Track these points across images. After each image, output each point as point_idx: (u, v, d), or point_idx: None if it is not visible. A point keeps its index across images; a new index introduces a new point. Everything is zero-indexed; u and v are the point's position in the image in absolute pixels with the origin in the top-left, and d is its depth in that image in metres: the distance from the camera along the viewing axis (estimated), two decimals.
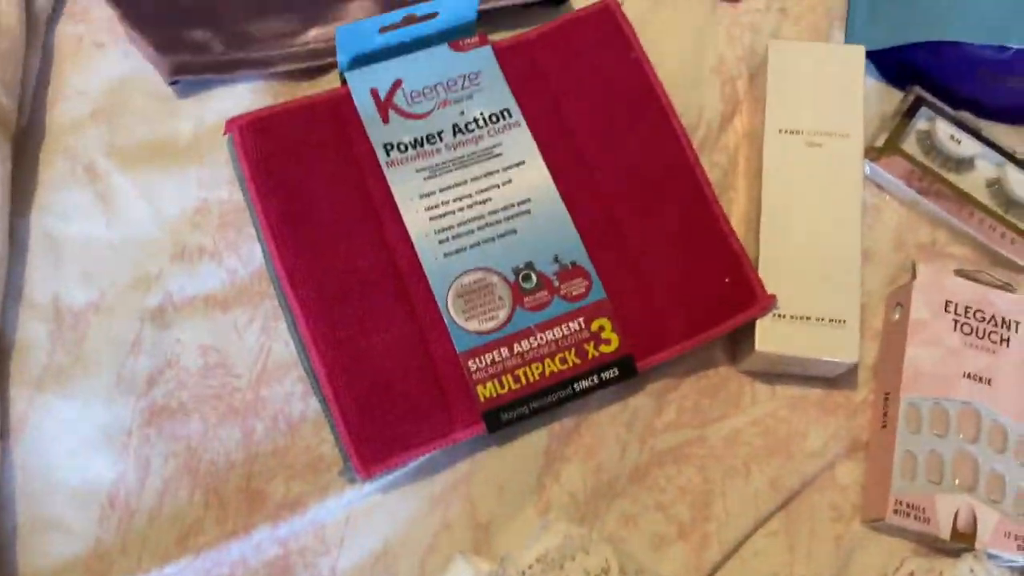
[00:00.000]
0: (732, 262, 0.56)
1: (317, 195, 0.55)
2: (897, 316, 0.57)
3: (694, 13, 0.65)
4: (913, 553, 0.54)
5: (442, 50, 0.58)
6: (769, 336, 0.54)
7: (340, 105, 0.57)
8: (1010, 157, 0.61)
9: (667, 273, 0.55)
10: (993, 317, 0.56)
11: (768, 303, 0.54)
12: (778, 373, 0.57)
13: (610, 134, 0.58)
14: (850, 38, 0.64)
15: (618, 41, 0.60)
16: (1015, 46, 0.57)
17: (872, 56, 0.62)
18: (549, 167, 0.56)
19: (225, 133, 0.55)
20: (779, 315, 0.54)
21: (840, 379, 0.57)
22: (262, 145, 0.55)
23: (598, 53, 0.60)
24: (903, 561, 0.53)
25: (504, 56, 0.59)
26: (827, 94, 0.58)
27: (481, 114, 0.57)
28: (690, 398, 0.57)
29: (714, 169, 0.61)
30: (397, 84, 0.57)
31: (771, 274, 0.55)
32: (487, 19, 0.62)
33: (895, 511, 0.52)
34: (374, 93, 0.57)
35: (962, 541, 0.52)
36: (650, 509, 0.54)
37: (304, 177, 0.55)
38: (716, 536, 0.54)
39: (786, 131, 0.58)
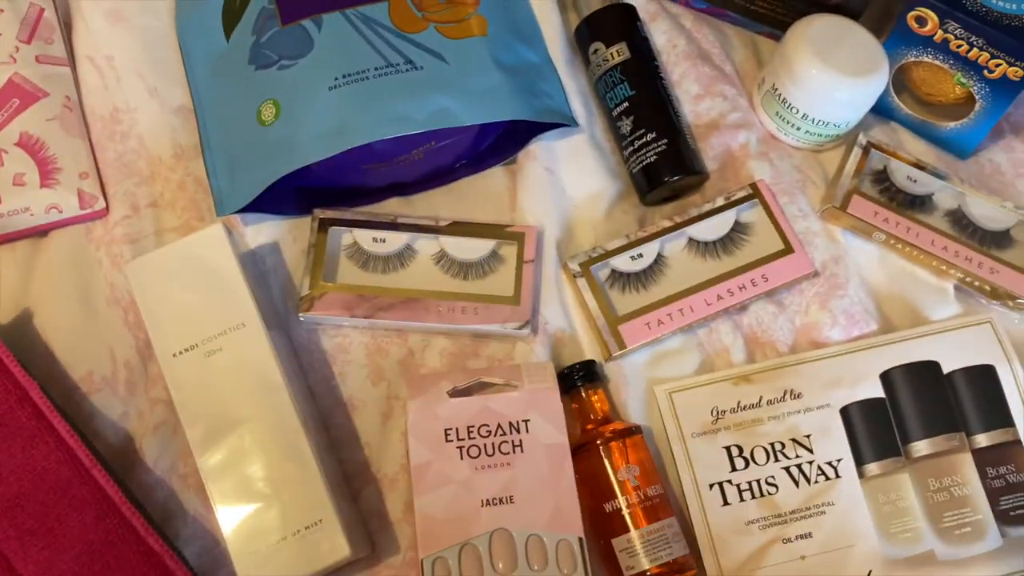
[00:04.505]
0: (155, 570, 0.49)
1: None
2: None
3: (68, 249, 0.58)
4: None
5: None
6: (253, 569, 0.48)
7: None
8: None
9: None
10: (500, 426, 0.53)
11: None
12: None
13: None
14: (219, 205, 0.58)
15: None
16: (357, 144, 0.54)
17: (268, 206, 0.58)
18: None
19: None
20: (254, 549, 0.49)
21: (377, 548, 0.53)
22: None
23: None
24: None
25: None
26: (206, 292, 0.52)
27: None
28: None
29: (156, 406, 0.55)
30: None
31: (230, 511, 0.49)
32: None
33: None
34: None
35: None
36: None
37: None
38: None
39: (179, 352, 0.51)
